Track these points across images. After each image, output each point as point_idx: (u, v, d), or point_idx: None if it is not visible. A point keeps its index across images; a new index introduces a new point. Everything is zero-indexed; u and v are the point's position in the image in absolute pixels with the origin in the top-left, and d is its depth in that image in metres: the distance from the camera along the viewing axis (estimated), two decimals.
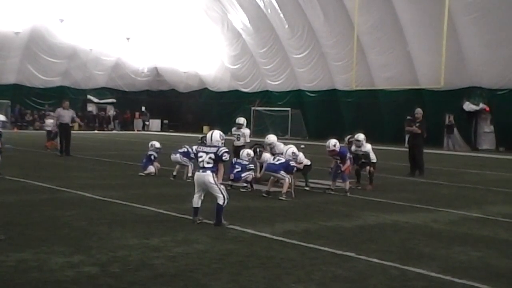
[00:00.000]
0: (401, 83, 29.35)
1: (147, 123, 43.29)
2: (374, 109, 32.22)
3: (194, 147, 7.64)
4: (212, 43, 38.78)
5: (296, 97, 36.63)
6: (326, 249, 5.68)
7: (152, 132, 40.67)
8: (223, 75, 40.56)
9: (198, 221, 6.76)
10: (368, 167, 10.67)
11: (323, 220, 7.32)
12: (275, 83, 37.46)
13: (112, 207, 7.79)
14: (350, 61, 30.67)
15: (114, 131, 39.76)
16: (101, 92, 42.30)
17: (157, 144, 12.46)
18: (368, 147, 10.75)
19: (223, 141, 6.91)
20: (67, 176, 11.40)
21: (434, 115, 27.77)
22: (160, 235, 6.03)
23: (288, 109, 35.94)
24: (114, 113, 42.30)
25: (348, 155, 10.27)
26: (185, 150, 11.49)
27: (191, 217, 6.92)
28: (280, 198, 9.05)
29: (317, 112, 35.26)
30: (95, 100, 42.05)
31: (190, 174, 11.05)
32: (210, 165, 6.66)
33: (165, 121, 44.34)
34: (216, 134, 6.84)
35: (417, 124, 13.67)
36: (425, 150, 14.26)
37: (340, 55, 32.01)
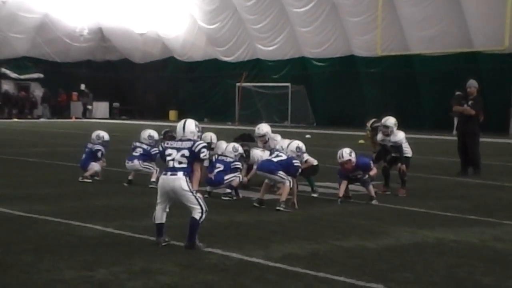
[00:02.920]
0: (446, 46, 29.50)
1: (89, 107, 43.14)
2: (407, 83, 32.38)
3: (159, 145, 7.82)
4: None
5: (298, 68, 36.68)
6: (342, 279, 5.69)
7: (97, 119, 40.52)
8: (195, 38, 40.47)
9: (164, 243, 6.79)
10: (399, 164, 10.72)
11: (337, 238, 7.34)
12: (269, 49, 37.47)
13: (39, 227, 7.74)
14: (374, 16, 30.78)
15: (42, 119, 39.58)
16: (22, 64, 42.02)
17: (106, 136, 12.45)
18: (400, 136, 10.81)
19: (199, 134, 7.02)
20: None
21: (494, 89, 28.00)
22: (109, 265, 6.01)
23: (288, 84, 36.01)
24: (42, 93, 42.05)
25: (370, 161, 10.25)
26: (142, 151, 11.47)
27: (153, 238, 6.92)
28: (278, 208, 9.09)
29: (327, 89, 35.35)
30: (13, 75, 41.78)
31: (154, 179, 11.03)
32: (183, 166, 6.70)
33: (115, 105, 44.21)
34: (191, 124, 6.94)
35: (470, 103, 13.72)
36: (482, 139, 14.35)
37: (360, 7, 32.07)
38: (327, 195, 10.62)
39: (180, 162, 6.71)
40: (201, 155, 6.78)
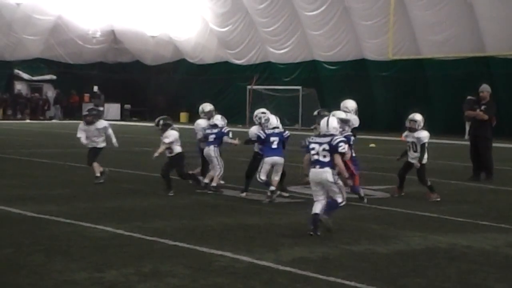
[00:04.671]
0: (459, 50, 29.34)
1: (101, 108, 43.21)
2: (419, 87, 32.26)
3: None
4: None
5: (309, 71, 36.63)
6: (352, 284, 5.65)
7: (108, 121, 40.46)
8: (207, 41, 40.52)
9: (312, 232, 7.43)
10: (416, 163, 10.63)
11: (347, 242, 7.31)
12: (280, 52, 37.44)
13: (50, 228, 7.76)
14: (386, 20, 30.70)
15: (54, 121, 39.75)
16: (35, 65, 42.23)
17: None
18: (424, 134, 10.71)
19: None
20: None
21: (507, 94, 27.81)
22: (119, 266, 6.01)
23: (299, 87, 35.96)
24: (55, 94, 42.24)
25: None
26: (215, 135, 11.08)
27: (162, 240, 6.91)
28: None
29: (338, 92, 35.11)
30: (26, 76, 41.99)
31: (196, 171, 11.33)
32: (327, 159, 7.53)
33: (127, 106, 44.34)
34: (333, 121, 7.76)
35: (483, 107, 13.63)
36: (494, 144, 14.25)
37: (372, 10, 32.00)
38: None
39: (324, 156, 7.50)
40: (339, 149, 7.50)
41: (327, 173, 7.50)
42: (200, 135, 11.53)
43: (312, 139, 7.77)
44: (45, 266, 5.98)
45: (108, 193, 10.67)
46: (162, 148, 10.79)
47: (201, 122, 11.78)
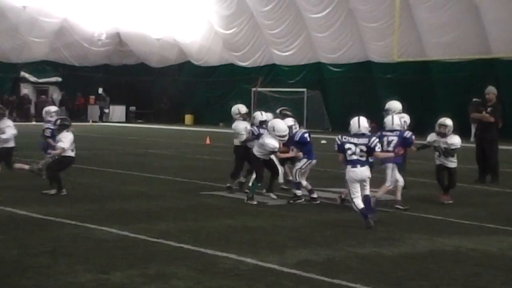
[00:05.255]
0: (464, 52, 29.25)
1: (106, 110, 43.33)
2: (424, 89, 32.19)
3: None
4: None
5: (314, 73, 36.60)
6: (357, 286, 5.66)
7: (114, 123, 40.71)
8: (211, 43, 40.53)
9: (372, 223, 8.13)
10: (451, 166, 10.60)
11: (352, 245, 7.31)
12: (285, 54, 37.43)
13: (55, 230, 7.78)
14: (391, 22, 30.63)
15: None
16: (41, 67, 42.32)
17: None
18: (457, 140, 10.56)
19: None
20: None
21: None
22: (124, 268, 6.02)
23: (303, 90, 35.92)
24: (60, 97, 42.36)
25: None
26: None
27: (168, 242, 6.91)
28: (398, 207, 9.73)
29: (343, 94, 35.23)
30: (32, 79, 42.08)
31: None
32: (364, 158, 8.32)
33: (132, 108, 44.39)
34: (364, 121, 8.52)
35: (489, 110, 13.57)
36: (500, 146, 14.19)
37: (377, 13, 31.96)
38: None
39: (361, 156, 8.23)
40: (376, 148, 8.32)
41: (368, 171, 8.35)
42: (243, 136, 11.20)
43: (345, 139, 8.42)
44: (50, 268, 5.99)
45: (113, 195, 10.68)
46: (56, 153, 10.62)
47: (241, 124, 11.49)
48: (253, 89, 37.34)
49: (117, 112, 43.76)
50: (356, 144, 8.29)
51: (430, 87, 32.10)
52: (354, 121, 8.50)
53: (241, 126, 11.38)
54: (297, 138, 10.28)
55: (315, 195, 10.28)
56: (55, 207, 9.27)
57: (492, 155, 13.62)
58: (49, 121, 11.95)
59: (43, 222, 8.20)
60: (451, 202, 10.54)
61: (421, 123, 23.56)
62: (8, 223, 8.13)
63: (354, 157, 8.26)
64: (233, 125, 11.60)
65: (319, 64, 36.36)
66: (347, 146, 8.31)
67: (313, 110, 35.70)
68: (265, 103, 37.07)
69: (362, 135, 8.38)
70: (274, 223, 8.57)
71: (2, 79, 40.55)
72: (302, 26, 35.56)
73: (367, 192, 8.38)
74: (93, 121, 41.02)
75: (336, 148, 8.56)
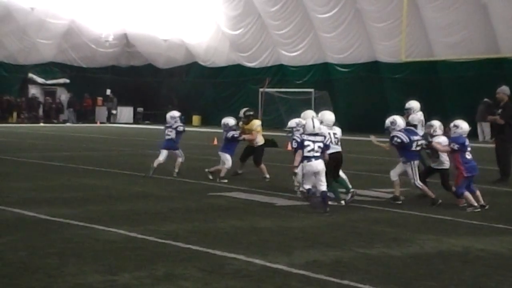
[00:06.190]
0: (472, 51, 29.14)
1: (113, 112, 43.44)
2: (432, 89, 32.08)
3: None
4: None
5: (321, 74, 36.56)
6: (366, 287, 5.65)
7: (121, 124, 40.80)
8: (219, 44, 40.57)
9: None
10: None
11: (361, 246, 7.28)
12: (292, 55, 37.41)
13: (64, 231, 7.78)
14: (398, 22, 30.58)
15: (68, 124, 39.96)
16: (48, 69, 42.49)
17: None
18: (441, 140, 10.53)
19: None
20: None
21: None
22: (132, 269, 6.02)
23: (311, 90, 35.89)
24: (68, 98, 42.46)
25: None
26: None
27: (175, 243, 6.92)
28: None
29: (351, 94, 35.20)
30: (40, 80, 42.25)
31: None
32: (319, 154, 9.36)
33: (139, 109, 44.47)
34: (317, 121, 9.62)
35: (500, 111, 13.45)
36: None
37: (384, 12, 31.91)
38: (355, 201, 10.54)
39: (317, 152, 9.28)
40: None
41: (322, 164, 9.34)
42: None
43: (305, 137, 9.42)
44: (58, 269, 6.00)
45: (120, 196, 10.70)
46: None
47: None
48: (261, 89, 37.32)
49: (125, 113, 43.85)
50: (314, 142, 9.30)
51: (438, 87, 32.01)
52: (309, 121, 9.58)
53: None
54: None
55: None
56: (63, 208, 9.29)
57: (503, 155, 13.53)
58: (170, 125, 13.40)
59: (52, 223, 8.21)
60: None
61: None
62: (16, 224, 8.15)
63: (312, 153, 9.24)
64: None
65: (326, 64, 36.33)
66: (306, 143, 9.31)
67: (321, 111, 35.60)
68: (273, 104, 37.16)
69: (317, 134, 9.40)
70: (282, 224, 8.56)
71: (10, 80, 40.72)
72: (309, 26, 35.53)
73: (324, 188, 9.25)
74: (101, 122, 41.13)
75: (296, 146, 9.73)
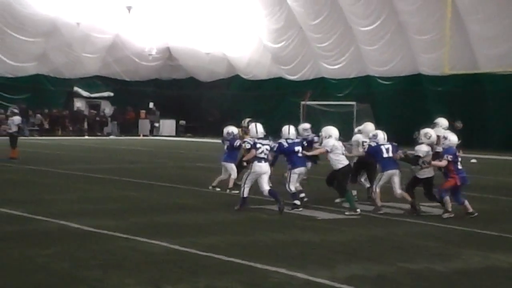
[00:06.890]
0: None
1: (156, 125, 43.87)
2: (476, 102, 31.56)
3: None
4: (246, 13, 39.05)
5: (363, 87, 36.31)
6: None
7: (164, 137, 41.18)
8: (260, 57, 40.70)
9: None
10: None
11: (404, 260, 7.17)
12: (334, 68, 37.29)
13: (106, 243, 7.87)
14: (442, 34, 30.17)
15: (111, 137, 40.52)
16: (93, 82, 43.19)
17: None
18: (422, 148, 10.69)
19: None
20: (43, 199, 11.60)
21: None
22: (174, 282, 6.03)
23: (353, 103, 35.64)
24: (111, 111, 43.08)
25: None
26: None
27: (217, 256, 6.93)
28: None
29: (393, 108, 34.84)
30: (85, 93, 42.94)
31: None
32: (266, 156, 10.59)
33: (181, 122, 44.82)
34: (260, 127, 10.95)
35: None
36: None
37: (427, 25, 31.56)
38: (391, 215, 10.41)
39: (265, 154, 10.52)
40: (275, 149, 10.90)
41: (268, 166, 10.56)
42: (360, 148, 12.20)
43: (257, 140, 10.63)
44: (101, 281, 6.04)
45: (161, 209, 10.76)
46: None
47: (359, 136, 12.81)
48: (302, 102, 37.26)
49: (167, 126, 44.21)
50: (262, 144, 10.55)
51: (482, 100, 31.46)
52: (252, 127, 11.02)
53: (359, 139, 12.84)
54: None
55: (298, 202, 10.67)
56: (106, 220, 9.38)
57: None
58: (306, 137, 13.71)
59: (95, 235, 8.30)
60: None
61: (472, 136, 23.08)
62: (60, 235, 8.26)
63: (262, 155, 10.44)
64: (353, 139, 13.14)
65: (368, 77, 36.09)
66: (258, 145, 10.50)
67: (363, 124, 35.37)
68: (314, 117, 37.02)
69: (265, 138, 10.77)
70: (324, 237, 8.49)
71: (56, 93, 41.47)
72: (351, 39, 35.38)
73: (269, 185, 10.46)
74: (143, 135, 41.60)
75: (249, 147, 10.69)
